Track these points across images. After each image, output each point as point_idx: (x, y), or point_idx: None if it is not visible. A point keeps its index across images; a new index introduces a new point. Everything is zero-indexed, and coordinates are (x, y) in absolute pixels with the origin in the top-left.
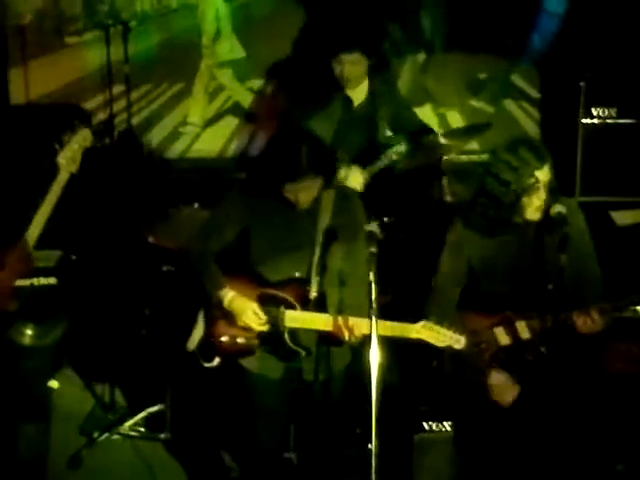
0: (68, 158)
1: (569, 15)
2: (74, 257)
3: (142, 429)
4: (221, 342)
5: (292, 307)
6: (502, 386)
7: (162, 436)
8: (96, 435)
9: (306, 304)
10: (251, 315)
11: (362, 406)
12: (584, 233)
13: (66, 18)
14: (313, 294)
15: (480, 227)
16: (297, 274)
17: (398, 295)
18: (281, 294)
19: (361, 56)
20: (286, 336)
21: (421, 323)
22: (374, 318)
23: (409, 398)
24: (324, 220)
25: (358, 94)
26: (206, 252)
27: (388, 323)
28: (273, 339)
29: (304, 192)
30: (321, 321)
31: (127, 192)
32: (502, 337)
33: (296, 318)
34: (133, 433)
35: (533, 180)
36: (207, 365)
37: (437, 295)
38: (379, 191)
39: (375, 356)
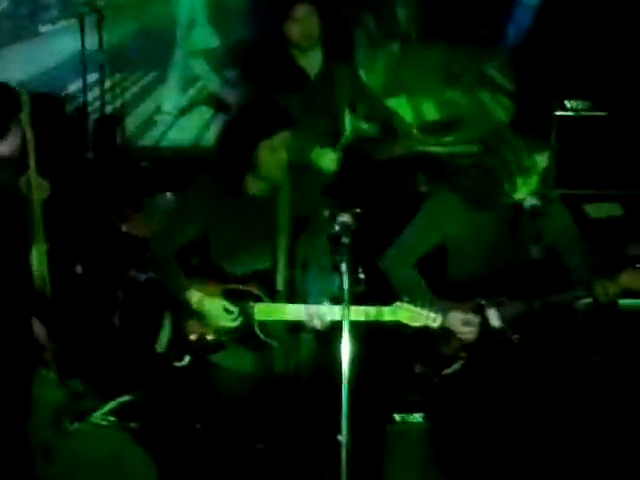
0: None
1: (544, 7)
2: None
3: (112, 418)
4: (190, 341)
5: (259, 300)
6: (461, 322)
7: (132, 425)
8: (66, 424)
9: (273, 295)
10: (221, 313)
11: (333, 397)
12: (569, 227)
13: (40, 5)
14: (280, 285)
15: (465, 197)
16: (260, 266)
17: (370, 286)
18: (246, 287)
19: (313, 8)
20: (256, 329)
21: (395, 304)
22: (346, 309)
23: (380, 389)
24: (284, 209)
25: (312, 62)
26: (166, 254)
27: (361, 308)
28: (243, 333)
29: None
30: (291, 311)
31: (99, 181)
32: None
33: (265, 310)
34: (103, 422)
35: (531, 163)
36: (178, 364)
37: (397, 255)
38: (353, 181)
39: (346, 346)
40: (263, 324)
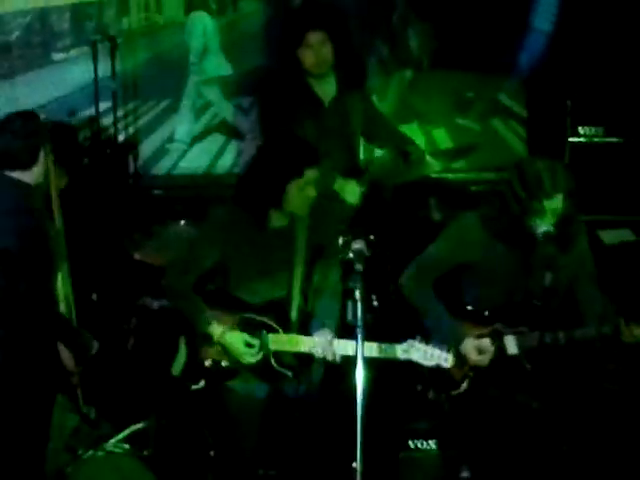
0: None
1: (557, 33)
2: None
3: (126, 446)
4: (205, 366)
5: (273, 330)
6: (475, 349)
7: (145, 453)
8: (81, 451)
9: (287, 326)
10: (243, 348)
11: (347, 424)
12: (586, 255)
13: (53, 34)
14: (294, 316)
15: (488, 224)
16: (277, 295)
17: (383, 312)
18: (261, 318)
19: (326, 36)
20: (272, 359)
21: (408, 342)
22: (359, 336)
23: (394, 416)
24: (302, 239)
25: (326, 89)
26: (184, 285)
27: (374, 345)
28: (258, 362)
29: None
30: (304, 343)
31: (112, 209)
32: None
33: (279, 341)
34: (117, 450)
35: (540, 207)
36: (193, 387)
37: (417, 272)
38: (366, 208)
39: (360, 373)
40: (279, 354)
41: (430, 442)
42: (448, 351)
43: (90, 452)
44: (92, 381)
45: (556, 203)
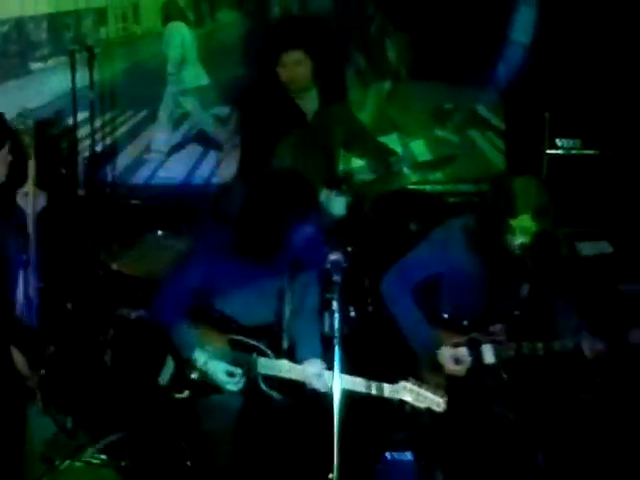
0: None
1: (535, 45)
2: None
3: (103, 456)
4: (192, 379)
5: (263, 353)
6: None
7: (123, 464)
8: (58, 462)
9: (278, 350)
10: (225, 377)
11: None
12: (563, 267)
13: (31, 43)
14: (285, 342)
15: (470, 235)
16: (268, 320)
17: (361, 324)
18: (252, 342)
19: (303, 55)
20: (260, 381)
21: (400, 384)
22: (337, 348)
23: (372, 427)
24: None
25: (308, 102)
26: (173, 306)
27: (362, 381)
28: (246, 382)
29: None
30: (294, 371)
31: (90, 219)
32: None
33: (269, 366)
34: (94, 460)
35: (510, 224)
36: (177, 396)
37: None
38: (345, 220)
39: (337, 385)
40: (266, 377)
41: (406, 453)
42: (441, 396)
43: (67, 462)
44: (68, 390)
45: (524, 221)
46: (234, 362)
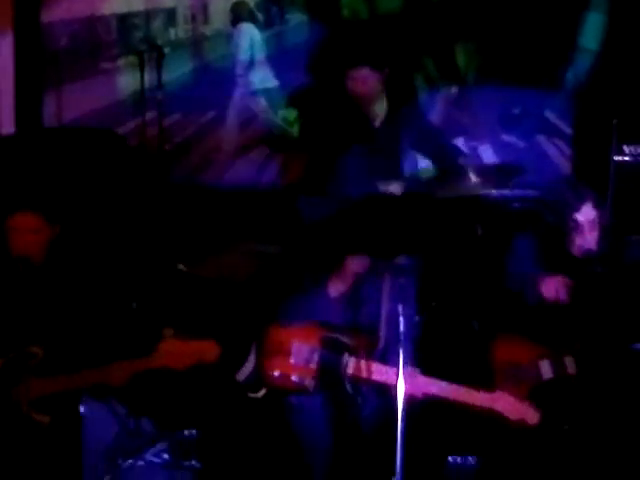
0: None
1: (603, 52)
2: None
3: (166, 456)
4: (272, 376)
5: (355, 353)
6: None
7: (188, 464)
8: (120, 461)
9: (371, 353)
10: None
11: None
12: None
13: (101, 43)
14: (380, 344)
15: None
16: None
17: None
18: (345, 339)
19: (370, 71)
20: (346, 383)
21: (499, 393)
22: (401, 349)
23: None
24: None
25: (376, 110)
26: None
27: (463, 388)
28: (332, 383)
29: None
30: (383, 373)
31: (157, 221)
32: (546, 371)
33: (359, 367)
34: (157, 460)
35: (573, 223)
36: (252, 395)
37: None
38: (408, 224)
39: (401, 390)
40: (354, 379)
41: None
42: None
43: (129, 461)
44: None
45: (586, 212)
46: (322, 361)
